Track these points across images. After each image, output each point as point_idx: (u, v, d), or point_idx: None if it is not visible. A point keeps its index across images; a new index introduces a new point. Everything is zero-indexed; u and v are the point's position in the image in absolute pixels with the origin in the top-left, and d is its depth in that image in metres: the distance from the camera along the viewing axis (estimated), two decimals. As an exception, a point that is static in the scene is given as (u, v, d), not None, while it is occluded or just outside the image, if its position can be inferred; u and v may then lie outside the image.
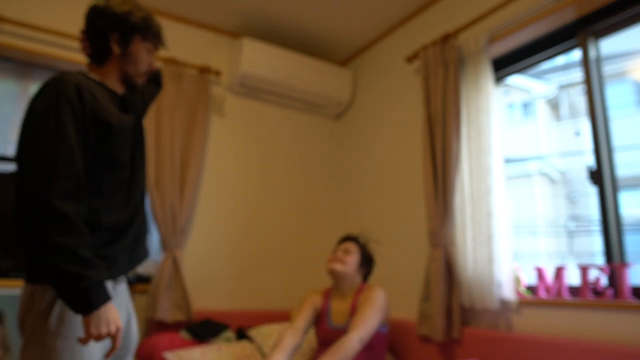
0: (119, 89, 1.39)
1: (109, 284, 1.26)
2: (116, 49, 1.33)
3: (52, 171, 1.11)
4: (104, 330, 1.12)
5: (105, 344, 1.24)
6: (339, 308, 2.17)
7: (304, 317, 2.14)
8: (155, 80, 1.62)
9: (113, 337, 1.15)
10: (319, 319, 2.19)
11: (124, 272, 1.34)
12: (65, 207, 1.09)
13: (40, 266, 1.15)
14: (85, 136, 1.20)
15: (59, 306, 1.16)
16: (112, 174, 1.29)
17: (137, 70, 1.37)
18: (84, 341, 1.12)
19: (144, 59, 1.38)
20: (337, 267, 2.16)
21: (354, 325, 1.97)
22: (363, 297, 2.11)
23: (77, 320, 1.16)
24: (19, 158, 1.19)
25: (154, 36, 1.38)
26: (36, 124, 1.17)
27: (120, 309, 1.33)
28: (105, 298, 1.13)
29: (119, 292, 1.34)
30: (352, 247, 2.24)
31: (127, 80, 1.38)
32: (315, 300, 2.21)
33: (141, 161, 1.42)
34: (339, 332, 2.08)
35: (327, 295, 2.24)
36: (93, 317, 1.11)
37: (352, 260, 2.18)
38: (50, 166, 1.12)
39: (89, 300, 1.09)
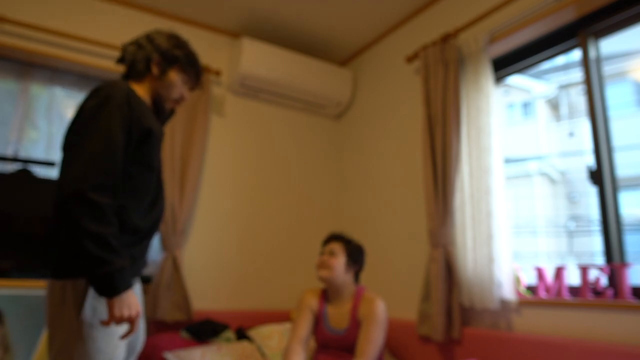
0: (150, 106, 1.49)
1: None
2: (155, 70, 1.45)
3: (93, 165, 1.20)
4: (125, 313, 1.20)
5: (142, 337, 1.36)
6: (336, 311, 2.14)
7: (305, 324, 2.11)
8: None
9: (132, 321, 1.23)
10: (316, 322, 2.17)
11: (140, 272, 1.43)
12: (99, 198, 1.18)
13: (74, 253, 1.22)
14: (129, 138, 1.29)
15: (91, 298, 1.24)
16: (146, 177, 1.38)
17: (169, 94, 1.48)
18: (106, 323, 1.20)
19: (178, 87, 1.48)
20: (324, 274, 2.11)
21: (363, 350, 1.94)
22: (364, 309, 2.05)
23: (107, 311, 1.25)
24: (65, 150, 1.29)
25: (193, 70, 1.50)
26: (85, 122, 1.27)
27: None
28: (128, 284, 1.21)
29: (137, 292, 1.43)
30: (336, 247, 2.17)
31: (157, 102, 1.48)
32: (312, 303, 2.18)
33: (161, 170, 1.52)
34: (338, 337, 2.07)
35: (323, 297, 2.21)
36: (116, 301, 1.19)
37: (338, 262, 2.12)
38: (92, 160, 1.21)
39: (113, 284, 1.18)
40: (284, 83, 3.14)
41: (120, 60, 1.49)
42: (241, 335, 2.61)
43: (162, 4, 2.92)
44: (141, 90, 1.46)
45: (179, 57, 1.47)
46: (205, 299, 2.85)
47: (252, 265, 3.07)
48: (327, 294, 2.20)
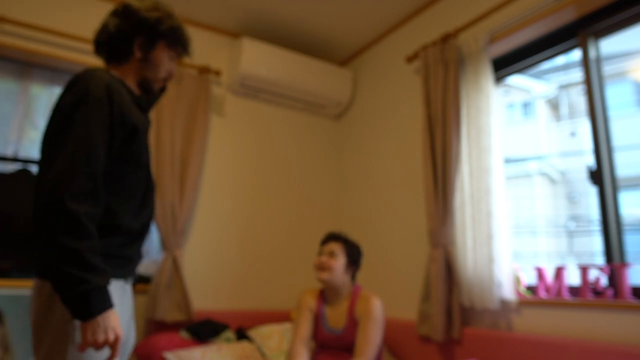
0: (136, 90, 1.36)
1: (120, 283, 1.25)
2: (138, 53, 1.32)
3: (71, 170, 1.09)
4: (101, 338, 1.07)
5: (132, 339, 1.26)
6: (334, 311, 2.14)
7: (306, 324, 2.11)
8: None
9: (112, 346, 1.10)
10: (315, 322, 2.16)
11: (134, 272, 1.35)
12: (77, 207, 1.07)
13: (45, 264, 1.12)
14: (111, 137, 1.18)
15: None
16: (134, 176, 1.28)
17: (156, 75, 1.36)
18: (80, 348, 1.08)
19: (165, 65, 1.36)
20: (325, 276, 2.09)
21: (362, 349, 1.94)
22: (361, 308, 2.05)
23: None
24: (41, 152, 1.18)
25: (180, 45, 1.37)
26: (62, 121, 1.15)
27: (125, 310, 1.30)
28: (106, 305, 1.08)
29: (128, 292, 1.33)
30: (336, 247, 2.14)
31: (144, 84, 1.36)
32: (311, 303, 2.18)
33: (150, 163, 1.41)
34: (336, 336, 2.08)
35: (321, 297, 2.20)
36: (90, 324, 1.06)
37: (338, 263, 2.10)
38: (69, 165, 1.09)
39: (88, 306, 1.05)
40: (284, 83, 3.14)
41: (97, 48, 1.35)
42: (241, 335, 2.61)
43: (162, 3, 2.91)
44: (125, 76, 1.33)
45: (164, 31, 1.32)
46: (205, 299, 2.85)
47: (252, 265, 3.07)
48: (325, 294, 2.19)
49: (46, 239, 1.05)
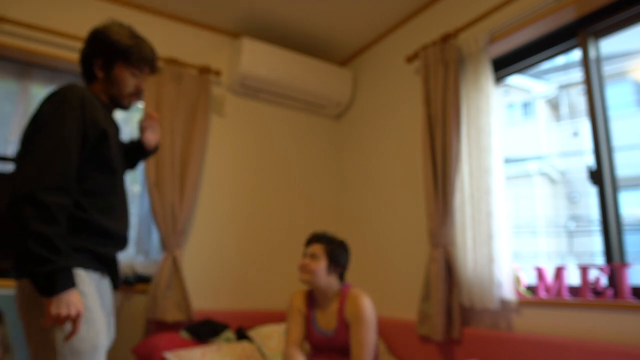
0: (110, 106, 1.53)
1: (95, 276, 1.37)
2: (99, 73, 1.46)
3: (46, 166, 1.24)
4: (63, 312, 1.18)
5: (106, 326, 1.34)
6: (324, 313, 2.11)
7: (297, 327, 2.10)
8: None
9: (72, 320, 1.21)
10: (306, 324, 2.14)
11: (114, 273, 1.46)
12: (48, 199, 1.21)
13: (17, 249, 1.24)
14: (84, 139, 1.33)
15: None
16: (107, 178, 1.42)
17: (120, 92, 1.48)
18: (44, 323, 1.19)
19: (129, 82, 1.48)
20: (306, 278, 2.07)
21: (357, 355, 1.92)
22: (351, 309, 2.01)
23: (85, 301, 1.27)
24: (20, 152, 1.31)
25: (138, 61, 1.46)
26: (40, 125, 1.30)
27: (104, 303, 1.43)
28: (69, 284, 1.21)
29: (106, 288, 1.45)
30: (317, 249, 2.09)
31: (113, 101, 1.50)
32: (301, 306, 2.15)
33: (121, 172, 1.55)
34: (327, 338, 2.06)
35: (310, 298, 2.18)
36: (54, 300, 1.18)
37: (319, 266, 2.06)
38: (45, 162, 1.24)
39: (53, 284, 1.18)
40: (284, 83, 3.14)
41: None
42: (241, 335, 2.61)
43: (163, 4, 2.92)
44: (98, 93, 1.49)
45: (120, 52, 1.44)
46: (205, 299, 2.85)
47: (252, 265, 3.07)
48: (314, 295, 2.16)
49: (20, 226, 1.19)
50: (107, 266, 1.43)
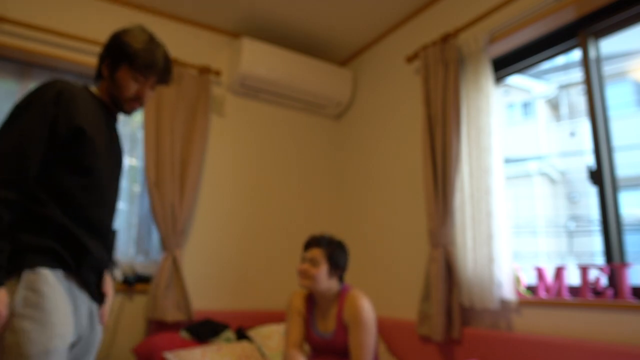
0: (111, 106, 1.50)
1: (58, 274, 1.29)
2: (105, 71, 1.46)
3: (3, 161, 1.24)
4: None
5: (69, 328, 1.27)
6: (323, 315, 2.09)
7: (297, 329, 2.08)
8: None
9: None
10: (305, 326, 2.12)
11: (84, 275, 1.36)
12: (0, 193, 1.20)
13: None
14: (53, 137, 1.30)
15: (22, 288, 1.22)
16: (79, 178, 1.36)
17: (120, 95, 1.45)
18: None
19: (130, 86, 1.44)
20: (307, 284, 2.03)
21: (355, 357, 1.91)
22: (349, 312, 1.99)
23: (42, 302, 1.22)
24: None
25: (143, 67, 1.43)
26: (9, 117, 1.30)
27: (77, 303, 1.34)
28: None
29: (74, 289, 1.34)
30: (317, 254, 2.04)
31: (115, 102, 1.48)
32: (300, 307, 2.13)
33: (115, 182, 1.51)
34: (326, 341, 2.04)
35: (310, 300, 2.15)
36: None
37: (320, 272, 2.01)
38: (3, 157, 1.24)
39: None
40: (284, 83, 3.14)
41: None
42: (241, 335, 2.61)
43: (163, 4, 2.92)
44: (101, 92, 1.48)
45: (127, 54, 1.41)
46: (205, 299, 2.85)
47: (252, 265, 3.07)
48: (313, 297, 2.14)
49: None
50: (82, 269, 1.35)
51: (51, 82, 1.35)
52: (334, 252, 2.07)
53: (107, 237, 1.46)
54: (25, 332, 1.18)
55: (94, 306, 1.43)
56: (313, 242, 2.10)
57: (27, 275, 1.23)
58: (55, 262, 1.29)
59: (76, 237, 1.33)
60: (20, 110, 1.30)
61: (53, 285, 1.25)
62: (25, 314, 1.19)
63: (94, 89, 1.49)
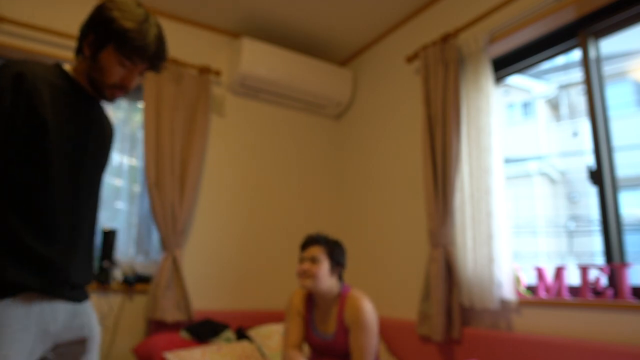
0: (88, 88, 1.29)
1: (11, 302, 1.10)
2: (86, 51, 1.23)
3: None
4: None
5: (27, 347, 1.12)
6: (323, 316, 2.06)
7: (296, 329, 2.06)
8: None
9: None
10: (305, 326, 2.10)
11: (50, 289, 1.18)
12: None
13: None
14: (9, 127, 1.12)
15: None
16: (30, 175, 1.16)
17: (102, 79, 1.23)
18: None
19: (115, 71, 1.22)
20: (309, 283, 1.98)
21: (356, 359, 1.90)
22: (350, 314, 1.96)
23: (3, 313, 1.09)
24: None
25: (133, 50, 1.20)
26: None
27: (46, 327, 1.17)
28: None
29: (31, 316, 1.13)
30: (318, 252, 2.00)
31: (95, 87, 1.26)
32: (299, 307, 2.10)
33: (87, 177, 1.30)
34: (326, 342, 2.02)
35: (310, 300, 2.12)
36: None
37: (322, 270, 1.98)
38: None
39: None
40: (284, 83, 3.14)
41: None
42: (241, 335, 2.61)
43: (163, 3, 2.92)
44: (78, 72, 1.27)
45: (115, 33, 1.18)
46: (205, 299, 2.85)
47: (252, 265, 3.07)
48: (313, 298, 2.10)
49: None
50: (44, 285, 1.15)
51: (6, 65, 1.14)
52: (334, 248, 2.05)
53: (77, 241, 1.25)
54: None
55: (78, 305, 1.27)
56: (311, 241, 2.07)
57: None
58: (6, 291, 1.10)
59: (33, 249, 1.14)
60: None
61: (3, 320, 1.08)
62: None
63: (68, 67, 1.28)
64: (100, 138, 1.34)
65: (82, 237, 1.28)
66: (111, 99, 1.28)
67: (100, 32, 1.20)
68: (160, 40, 1.25)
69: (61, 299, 1.21)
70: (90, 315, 1.32)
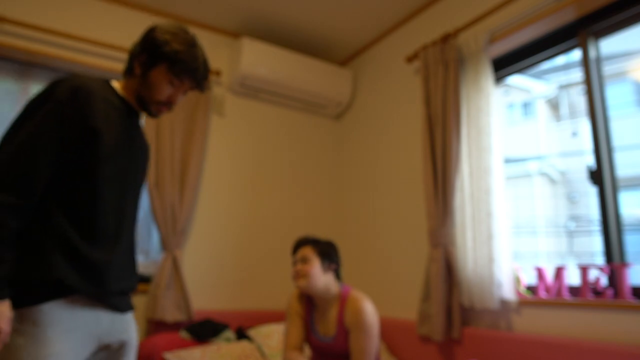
0: (135, 105, 1.38)
1: (60, 303, 1.17)
2: (137, 69, 1.33)
3: (7, 162, 1.14)
4: None
5: (76, 347, 1.18)
6: (323, 317, 2.05)
7: (296, 331, 2.05)
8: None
9: None
10: (305, 328, 2.09)
11: (104, 298, 1.26)
12: (1, 198, 1.10)
13: None
14: (66, 138, 1.19)
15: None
16: (82, 188, 1.23)
17: (151, 96, 1.33)
18: None
19: (164, 88, 1.33)
20: (302, 283, 1.99)
21: None
22: (350, 315, 1.94)
23: (39, 317, 1.13)
24: None
25: (183, 71, 1.32)
26: (21, 117, 1.21)
27: (89, 329, 1.23)
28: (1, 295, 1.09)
29: (77, 318, 1.20)
30: (307, 252, 2.03)
31: (142, 104, 1.36)
32: (299, 309, 2.09)
33: (133, 186, 1.38)
34: (327, 344, 2.01)
35: (309, 301, 2.11)
36: None
37: (313, 268, 1.99)
38: (8, 157, 1.15)
39: None
40: (284, 83, 3.14)
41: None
42: (241, 335, 2.61)
43: (163, 4, 2.92)
44: (126, 90, 1.36)
45: (166, 54, 1.29)
46: (205, 298, 2.85)
47: (252, 265, 3.07)
48: (313, 299, 2.09)
49: None
50: (92, 288, 1.22)
51: (65, 79, 1.23)
52: (323, 247, 2.07)
53: (123, 249, 1.32)
54: (17, 348, 1.10)
55: (117, 315, 1.31)
56: (300, 243, 2.10)
57: (26, 310, 1.14)
58: (58, 292, 1.17)
59: (82, 253, 1.20)
60: (34, 110, 1.19)
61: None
62: (19, 328, 1.12)
63: (115, 84, 1.36)
64: (143, 151, 1.44)
65: (127, 246, 1.36)
66: (156, 114, 1.39)
67: (152, 52, 1.30)
68: (205, 63, 1.38)
69: (107, 306, 1.27)
70: (130, 323, 1.37)
